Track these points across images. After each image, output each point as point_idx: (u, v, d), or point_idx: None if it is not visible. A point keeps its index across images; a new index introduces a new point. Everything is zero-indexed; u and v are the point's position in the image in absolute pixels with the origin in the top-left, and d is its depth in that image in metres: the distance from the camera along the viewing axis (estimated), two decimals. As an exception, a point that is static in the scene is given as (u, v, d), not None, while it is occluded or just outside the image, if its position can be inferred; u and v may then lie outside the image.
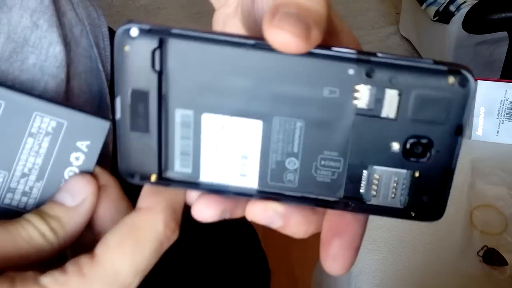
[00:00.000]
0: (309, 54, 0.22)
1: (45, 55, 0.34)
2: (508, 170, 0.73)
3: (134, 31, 0.23)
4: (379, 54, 0.22)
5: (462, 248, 0.67)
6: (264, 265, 0.76)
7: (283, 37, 0.20)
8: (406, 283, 0.66)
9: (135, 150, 0.25)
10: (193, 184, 0.25)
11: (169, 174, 0.25)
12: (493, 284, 0.64)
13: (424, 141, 0.23)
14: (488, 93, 0.76)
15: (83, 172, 0.28)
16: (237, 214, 0.25)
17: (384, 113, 0.23)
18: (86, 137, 0.27)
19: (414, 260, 0.67)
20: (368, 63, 0.22)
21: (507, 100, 0.75)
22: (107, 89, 0.41)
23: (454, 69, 0.22)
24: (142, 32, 0.23)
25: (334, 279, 0.77)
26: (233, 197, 0.25)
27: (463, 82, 0.22)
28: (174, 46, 0.23)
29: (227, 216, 0.25)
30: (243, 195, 0.25)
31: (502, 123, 0.76)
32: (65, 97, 0.35)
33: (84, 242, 0.28)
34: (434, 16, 1.53)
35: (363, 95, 0.23)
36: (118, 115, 0.24)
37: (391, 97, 0.23)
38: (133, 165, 0.25)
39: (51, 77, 0.34)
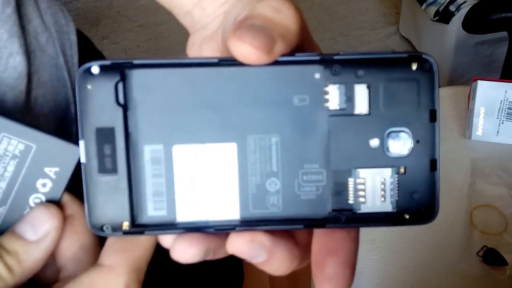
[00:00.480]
0: (274, 63, 0.22)
1: (4, 66, 0.33)
2: (508, 170, 0.73)
3: (95, 69, 0.22)
4: (341, 52, 0.22)
5: (462, 248, 0.67)
6: (238, 267, 0.75)
7: (243, 49, 0.21)
8: (406, 283, 0.66)
9: (103, 196, 0.23)
10: (169, 226, 0.23)
11: (143, 219, 0.23)
12: (493, 284, 0.64)
13: (401, 132, 0.23)
14: (488, 93, 0.76)
15: (49, 202, 0.26)
16: (221, 254, 0.23)
17: (357, 110, 0.23)
18: (55, 163, 0.26)
19: (414, 260, 0.67)
20: (332, 62, 0.22)
21: (507, 100, 0.75)
22: (72, 98, 0.40)
23: (414, 54, 0.22)
24: (103, 68, 0.22)
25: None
26: (215, 233, 0.23)
27: (426, 66, 0.22)
28: (137, 76, 0.23)
29: (210, 256, 0.23)
30: (226, 229, 0.23)
31: (502, 123, 0.76)
32: (26, 108, 0.34)
33: (44, 276, 0.26)
34: (434, 16, 1.53)
35: (333, 96, 0.23)
36: (83, 159, 0.23)
37: (361, 91, 0.23)
38: (102, 215, 0.23)
39: (9, 89, 0.33)
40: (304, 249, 0.24)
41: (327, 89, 0.23)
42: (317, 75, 0.23)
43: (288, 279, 1.28)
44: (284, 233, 0.24)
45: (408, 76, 0.22)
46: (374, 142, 0.23)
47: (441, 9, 1.50)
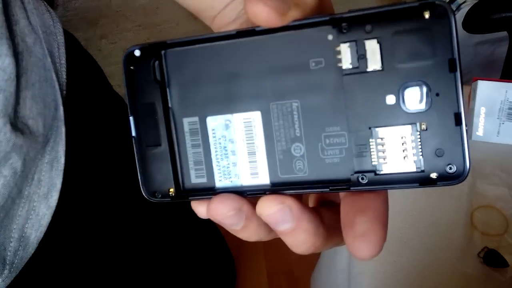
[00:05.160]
0: (286, 29, 0.22)
1: None
2: (509, 171, 0.73)
3: (137, 52, 0.25)
4: (351, 10, 0.22)
5: (463, 249, 0.67)
6: (230, 266, 0.76)
7: (258, 8, 0.21)
8: (406, 284, 0.65)
9: (152, 166, 0.25)
10: (210, 192, 0.25)
11: (187, 186, 0.25)
12: (493, 286, 0.64)
13: (418, 86, 0.22)
14: (488, 93, 0.75)
15: None
16: (253, 222, 0.23)
17: (370, 67, 0.22)
18: None
19: (413, 261, 0.66)
20: (341, 20, 0.22)
21: (507, 100, 0.75)
22: (61, 99, 0.40)
23: (426, 2, 0.21)
24: (143, 50, 0.25)
25: (333, 280, 0.76)
26: (249, 198, 0.24)
27: (440, 12, 0.21)
28: (171, 55, 0.25)
29: (243, 217, 0.23)
30: (257, 193, 0.24)
31: (503, 123, 0.76)
32: (15, 110, 0.35)
33: None
34: (434, 16, 1.53)
35: (345, 54, 0.22)
36: (133, 133, 0.25)
37: (372, 47, 0.22)
38: (153, 183, 0.25)
39: None
40: (329, 230, 0.24)
41: (338, 48, 0.22)
42: (330, 37, 0.22)
43: (288, 280, 1.27)
44: (312, 209, 0.24)
45: (420, 25, 0.21)
46: (390, 99, 0.22)
47: (441, 9, 1.50)
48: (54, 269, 0.42)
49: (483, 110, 0.76)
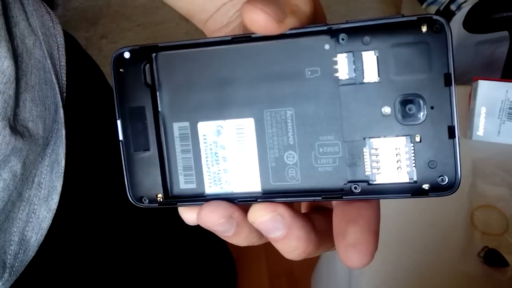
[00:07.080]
0: (283, 36, 0.22)
1: None
2: (509, 171, 0.73)
3: (127, 54, 0.24)
4: (348, 20, 0.22)
5: (463, 249, 0.67)
6: (231, 267, 0.76)
7: (256, 15, 0.21)
8: (406, 284, 0.65)
9: (140, 171, 0.25)
10: (199, 198, 0.24)
11: (175, 192, 0.25)
12: (494, 285, 0.64)
13: (414, 98, 0.22)
14: (489, 93, 0.75)
15: None
16: (245, 228, 0.24)
17: (367, 78, 0.22)
18: None
19: (414, 261, 0.66)
20: (338, 31, 0.22)
21: (508, 100, 0.75)
22: (61, 102, 0.40)
23: (424, 16, 0.21)
24: (133, 52, 0.24)
25: (334, 280, 0.76)
26: (240, 205, 0.24)
27: (437, 27, 0.21)
28: (162, 58, 0.24)
29: (234, 224, 0.23)
30: (248, 200, 0.24)
31: (503, 123, 0.76)
32: (15, 112, 0.34)
33: None
34: (434, 16, 1.53)
35: (342, 65, 0.22)
36: (121, 137, 0.25)
37: (369, 58, 0.22)
38: (140, 188, 0.25)
39: None
40: (320, 236, 0.24)
41: (335, 59, 0.22)
42: (327, 46, 0.22)
43: (288, 281, 1.27)
44: (303, 215, 0.24)
45: (418, 39, 0.21)
46: (386, 110, 0.22)
47: (441, 8, 1.50)
48: (55, 272, 0.42)
49: (483, 110, 0.76)
